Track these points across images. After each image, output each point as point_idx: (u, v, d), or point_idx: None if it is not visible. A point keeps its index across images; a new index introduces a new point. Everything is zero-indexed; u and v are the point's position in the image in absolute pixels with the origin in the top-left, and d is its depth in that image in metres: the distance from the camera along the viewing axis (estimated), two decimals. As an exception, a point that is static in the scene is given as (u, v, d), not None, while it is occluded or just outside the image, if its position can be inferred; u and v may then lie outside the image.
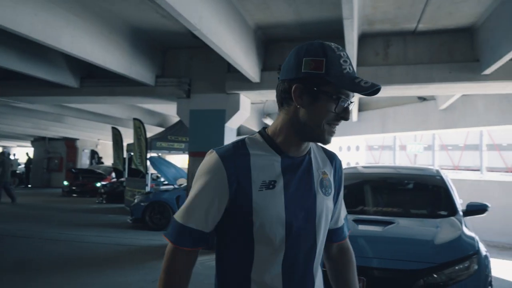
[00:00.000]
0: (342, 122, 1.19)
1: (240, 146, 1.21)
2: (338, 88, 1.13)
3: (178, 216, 1.20)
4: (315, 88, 1.13)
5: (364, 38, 6.55)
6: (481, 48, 5.99)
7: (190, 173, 7.27)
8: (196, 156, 7.22)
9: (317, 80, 1.13)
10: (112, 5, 5.73)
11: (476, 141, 15.23)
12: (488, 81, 6.09)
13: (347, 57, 1.17)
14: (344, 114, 1.17)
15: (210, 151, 1.20)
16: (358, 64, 6.37)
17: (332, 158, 1.35)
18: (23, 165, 24.94)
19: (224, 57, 5.69)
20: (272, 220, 1.15)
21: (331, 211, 1.31)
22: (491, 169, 16.06)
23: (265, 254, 1.17)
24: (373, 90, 1.11)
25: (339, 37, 5.21)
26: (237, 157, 1.17)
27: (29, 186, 22.23)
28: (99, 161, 23.35)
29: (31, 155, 23.31)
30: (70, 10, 5.38)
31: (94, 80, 8.13)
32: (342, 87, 1.13)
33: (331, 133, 1.19)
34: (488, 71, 5.81)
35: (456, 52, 6.33)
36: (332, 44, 1.17)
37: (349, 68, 1.15)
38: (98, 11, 5.85)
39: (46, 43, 5.22)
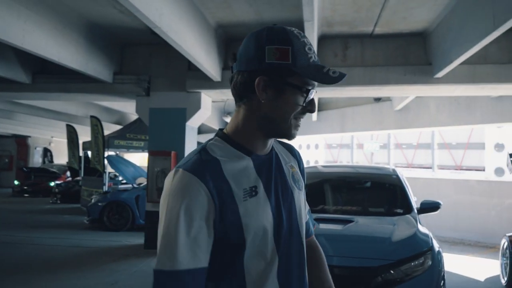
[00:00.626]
0: (302, 121, 1.11)
1: (204, 155, 1.03)
2: (304, 79, 1.03)
3: (160, 264, 0.94)
4: (280, 80, 1.01)
5: (323, 39, 6.68)
6: (433, 52, 6.26)
7: (150, 172, 7.15)
8: (156, 155, 7.11)
9: (283, 71, 1.01)
10: (67, -1, 5.52)
11: (428, 140, 15.89)
12: (439, 84, 6.38)
13: (310, 44, 1.06)
14: (311, 107, 1.07)
15: (174, 170, 1.00)
16: (318, 65, 6.48)
17: (291, 150, 1.26)
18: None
19: (184, 55, 5.63)
20: (263, 231, 1.02)
21: (305, 205, 1.23)
22: (442, 167, 16.79)
23: (258, 270, 1.02)
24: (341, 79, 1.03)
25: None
26: (208, 168, 0.99)
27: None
28: (50, 159, 22.51)
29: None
30: (21, 3, 5.13)
31: (48, 76, 7.81)
32: (310, 78, 1.03)
33: (297, 127, 1.08)
34: (439, 74, 6.08)
35: (411, 56, 6.57)
36: (294, 29, 1.05)
37: (314, 57, 1.05)
38: (52, 4, 5.62)
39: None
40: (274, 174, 1.10)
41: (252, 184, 1.03)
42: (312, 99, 1.07)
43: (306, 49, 1.03)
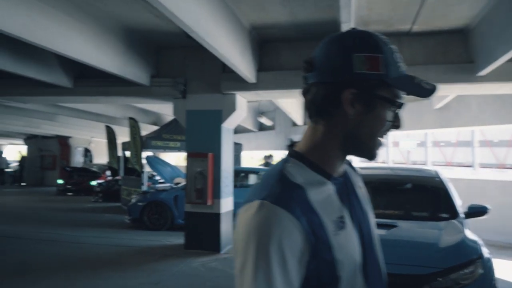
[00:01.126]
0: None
1: (286, 182, 0.89)
2: (395, 91, 0.91)
3: None
4: (370, 93, 0.90)
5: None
6: (476, 50, 6.02)
7: (189, 174, 7.26)
8: (194, 157, 7.22)
9: (372, 82, 0.89)
10: (105, 5, 5.68)
11: (468, 138, 15.35)
12: (483, 82, 6.13)
13: (397, 50, 0.94)
14: (398, 123, 0.95)
15: (258, 203, 0.85)
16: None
17: (352, 166, 1.11)
18: (16, 164, 24.83)
19: (219, 58, 5.67)
20: (354, 266, 0.90)
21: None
22: (483, 165, 16.19)
23: None
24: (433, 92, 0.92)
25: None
26: (295, 199, 0.86)
27: (23, 184, 22.11)
28: (90, 159, 23.27)
29: (24, 153, 23.20)
30: (63, 11, 5.33)
31: (88, 80, 8.07)
32: (404, 90, 0.91)
33: (380, 146, 0.95)
34: (483, 72, 5.85)
35: (451, 53, 6.35)
36: (378, 33, 0.94)
37: (403, 65, 0.93)
38: (91, 11, 5.80)
39: (39, 44, 5.17)
40: (351, 198, 0.99)
41: (338, 214, 0.91)
42: (398, 114, 0.95)
43: (395, 57, 0.92)
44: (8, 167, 24.17)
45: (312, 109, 0.95)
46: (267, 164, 12.91)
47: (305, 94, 0.96)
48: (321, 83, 0.92)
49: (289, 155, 0.98)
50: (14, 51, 6.66)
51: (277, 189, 0.87)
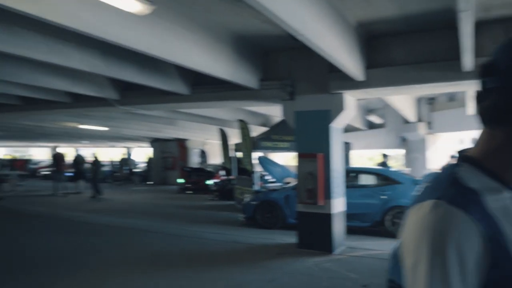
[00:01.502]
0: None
1: (460, 185, 0.85)
2: None
3: None
4: None
5: (479, 27, 5.95)
6: None
7: (300, 174, 7.35)
8: (304, 158, 7.30)
9: None
10: (215, 16, 6.00)
11: None
12: None
13: None
14: None
15: (432, 203, 0.82)
16: (477, 55, 5.82)
17: None
18: (144, 164, 27.63)
19: (326, 58, 5.64)
20: None
21: None
22: None
23: None
24: None
25: (450, 27, 4.84)
26: (472, 202, 0.82)
27: (150, 183, 24.46)
28: (205, 160, 24.78)
29: (151, 155, 25.71)
30: (180, 25, 5.77)
31: (203, 86, 8.62)
32: None
33: None
34: None
35: None
36: None
37: None
38: (203, 23, 6.18)
39: (161, 57, 5.68)
40: None
41: None
42: None
43: None
44: (136, 168, 26.92)
45: (491, 115, 0.88)
46: (383, 164, 12.50)
47: (480, 99, 0.90)
48: (505, 88, 0.84)
49: (461, 159, 0.93)
50: (140, 65, 7.41)
51: (452, 191, 0.84)
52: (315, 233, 7.20)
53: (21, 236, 8.72)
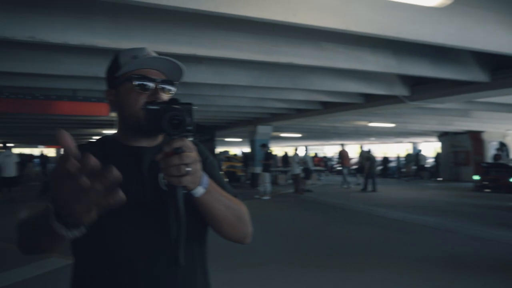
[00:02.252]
0: None
1: None
2: None
3: None
4: None
5: None
6: None
7: None
8: None
9: None
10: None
11: None
12: None
13: None
14: None
15: None
16: None
17: None
18: (432, 160, 26.57)
19: None
20: None
21: None
22: None
23: None
24: None
25: None
26: None
27: (439, 179, 23.32)
28: (507, 153, 21.56)
29: (439, 150, 24.48)
30: (481, 6, 5.25)
31: (506, 71, 7.58)
32: None
33: None
34: None
35: None
36: None
37: None
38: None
39: (460, 46, 5.33)
40: None
41: None
42: None
43: None
44: (426, 163, 26.11)
45: None
46: None
47: None
48: None
49: None
50: (431, 57, 7.16)
51: None
52: None
53: (325, 224, 9.89)
